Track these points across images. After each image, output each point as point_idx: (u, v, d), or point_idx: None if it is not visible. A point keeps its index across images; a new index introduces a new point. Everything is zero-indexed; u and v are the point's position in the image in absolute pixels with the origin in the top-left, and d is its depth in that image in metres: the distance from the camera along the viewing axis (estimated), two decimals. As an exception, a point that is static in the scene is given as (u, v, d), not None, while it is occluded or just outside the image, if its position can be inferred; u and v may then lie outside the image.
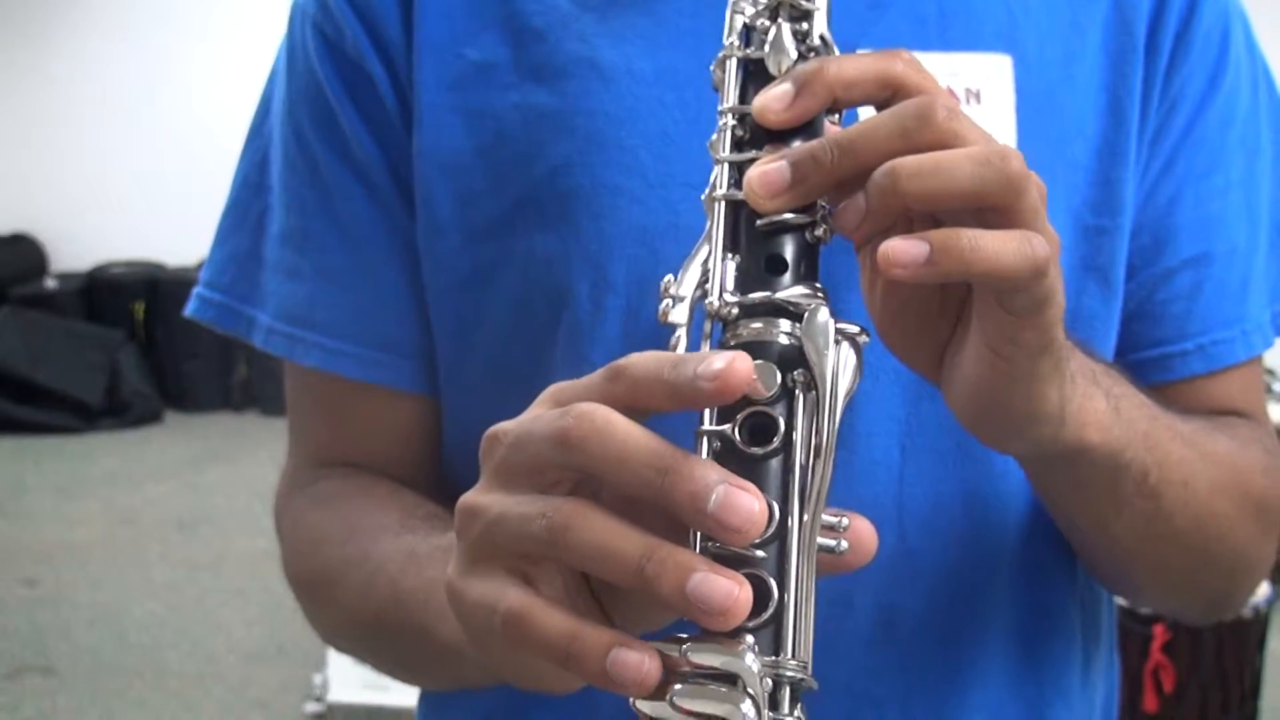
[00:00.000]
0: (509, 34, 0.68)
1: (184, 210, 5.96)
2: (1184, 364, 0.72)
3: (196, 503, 4.84)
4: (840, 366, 0.43)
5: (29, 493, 4.98)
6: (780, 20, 0.50)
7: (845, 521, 0.44)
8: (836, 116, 0.49)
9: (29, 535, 4.47)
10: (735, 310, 0.45)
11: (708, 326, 0.46)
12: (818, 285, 0.46)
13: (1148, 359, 0.72)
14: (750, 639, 0.41)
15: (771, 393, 0.43)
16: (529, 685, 0.47)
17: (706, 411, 0.44)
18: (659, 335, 0.64)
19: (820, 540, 0.43)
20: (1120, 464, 0.58)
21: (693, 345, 0.45)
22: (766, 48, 0.49)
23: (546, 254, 0.66)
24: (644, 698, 0.41)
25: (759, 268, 0.46)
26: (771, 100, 0.47)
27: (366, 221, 0.71)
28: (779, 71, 0.48)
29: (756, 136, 0.48)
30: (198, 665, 3.49)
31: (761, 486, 0.42)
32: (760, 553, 0.42)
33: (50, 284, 6.38)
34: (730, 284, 0.46)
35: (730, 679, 0.41)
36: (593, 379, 0.44)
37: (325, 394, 0.75)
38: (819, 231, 0.47)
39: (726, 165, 0.48)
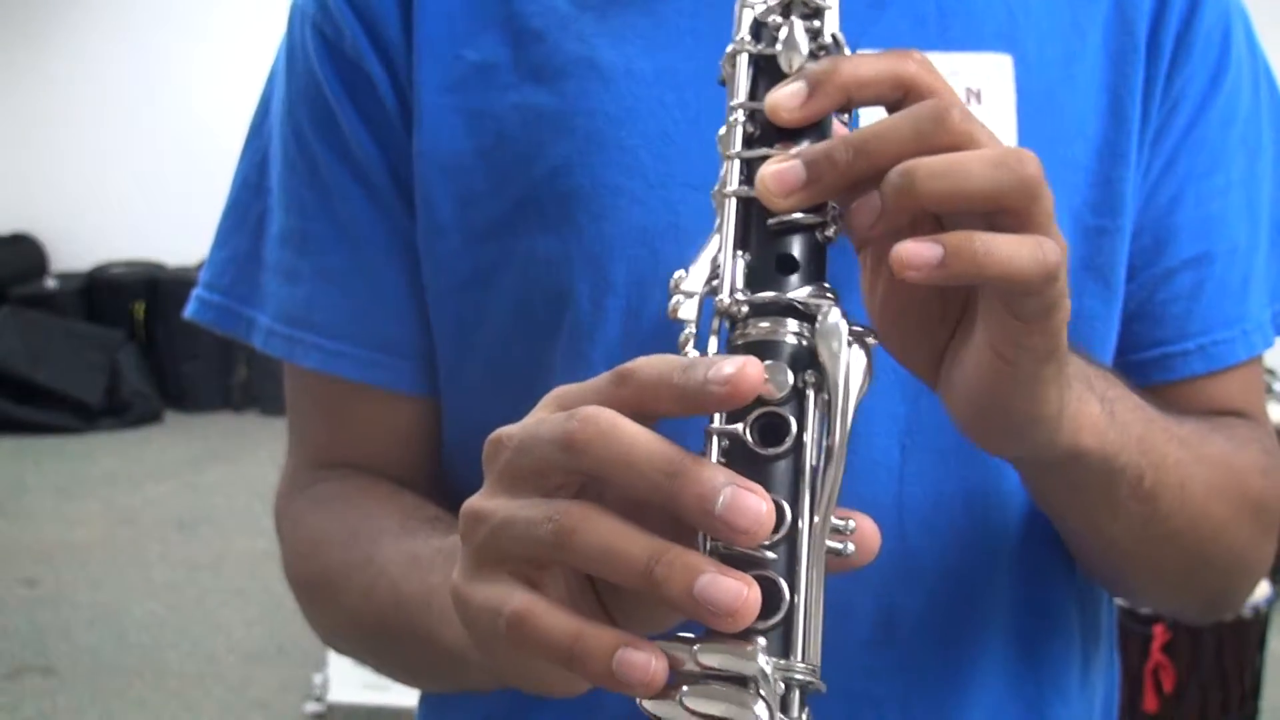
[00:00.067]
0: (508, 34, 0.68)
1: (184, 210, 5.95)
2: (1185, 364, 0.72)
3: (196, 503, 4.84)
4: (852, 368, 0.43)
5: (29, 493, 4.98)
6: (793, 17, 0.49)
7: (851, 524, 0.43)
8: (846, 116, 0.49)
9: (29, 535, 4.47)
10: (745, 309, 0.45)
11: (715, 323, 0.46)
12: (827, 286, 0.46)
13: (1148, 359, 0.72)
14: (762, 641, 0.41)
15: (784, 394, 0.43)
16: (533, 689, 0.47)
17: (717, 414, 0.43)
18: (659, 335, 0.65)
19: (828, 543, 0.43)
20: (1115, 467, 0.58)
21: (700, 342, 0.45)
22: (779, 45, 0.49)
23: (547, 254, 0.66)
24: (650, 698, 0.41)
25: (769, 266, 0.46)
26: (784, 98, 0.47)
27: (366, 222, 0.71)
28: (791, 69, 0.48)
29: (767, 133, 0.48)
30: (198, 665, 3.49)
31: (772, 487, 0.42)
32: (771, 554, 0.42)
33: (50, 284, 6.37)
34: (740, 282, 0.46)
35: (740, 680, 0.41)
36: (598, 382, 0.44)
37: (325, 395, 0.74)
38: (829, 232, 0.47)
39: (737, 161, 0.48)
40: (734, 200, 0.47)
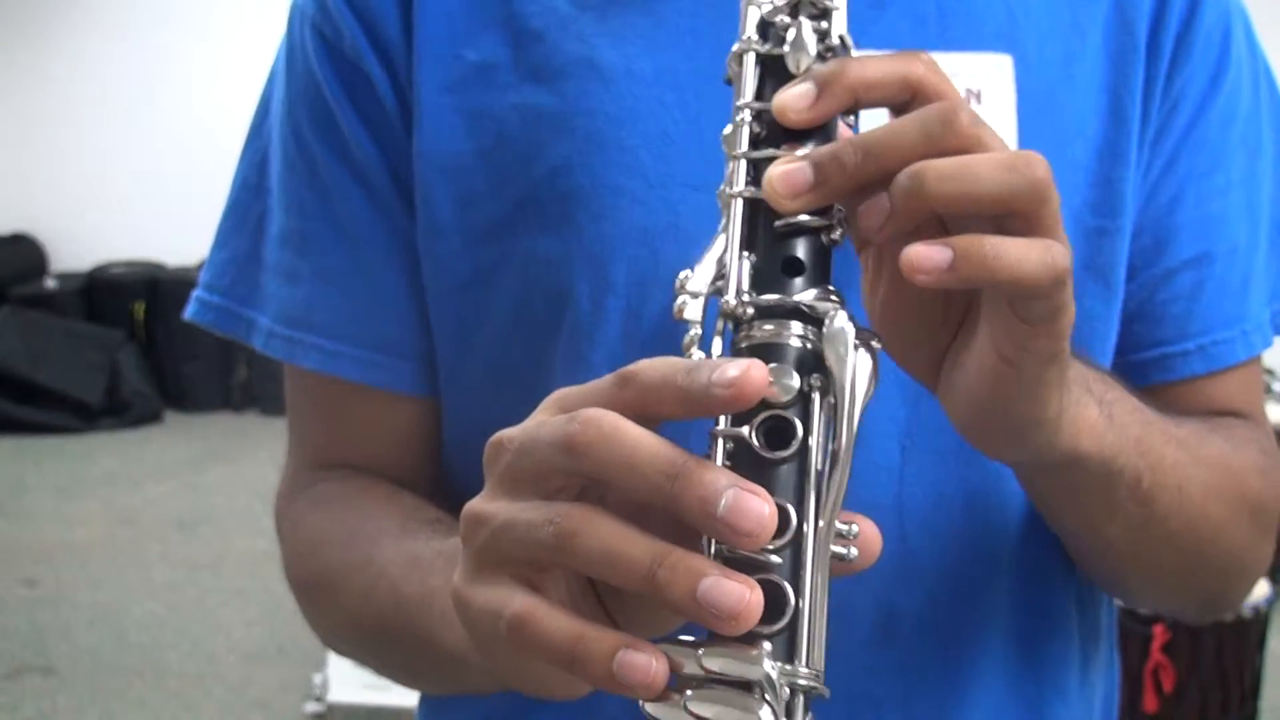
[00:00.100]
0: (508, 35, 0.68)
1: (184, 210, 5.95)
2: (1184, 364, 0.72)
3: (196, 503, 4.84)
4: (858, 372, 0.43)
5: (29, 493, 4.98)
6: (801, 18, 0.49)
7: (855, 528, 0.43)
8: (852, 118, 0.48)
9: (29, 535, 4.47)
10: (750, 310, 0.45)
11: (720, 325, 0.46)
12: (833, 289, 0.46)
13: (1148, 359, 0.72)
14: (768, 645, 0.41)
15: (790, 397, 0.43)
16: (534, 691, 0.47)
17: (722, 417, 0.43)
18: (660, 336, 0.65)
19: (832, 548, 0.43)
20: (1113, 470, 0.58)
21: (705, 343, 0.45)
22: (787, 45, 0.48)
23: (547, 255, 0.66)
24: (652, 701, 0.41)
25: (775, 269, 0.46)
26: (792, 99, 0.46)
27: (366, 222, 0.71)
28: (798, 70, 0.48)
29: (773, 134, 0.48)
30: (198, 665, 3.49)
31: (777, 491, 0.42)
32: (776, 559, 0.42)
33: (50, 284, 6.37)
34: (746, 283, 0.45)
35: (744, 685, 0.41)
36: (600, 384, 0.43)
37: (325, 396, 0.74)
38: (835, 235, 0.46)
39: (743, 162, 0.48)
40: (740, 201, 0.47)
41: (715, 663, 0.41)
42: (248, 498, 4.78)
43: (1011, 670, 0.71)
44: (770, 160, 0.46)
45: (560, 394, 0.45)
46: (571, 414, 0.42)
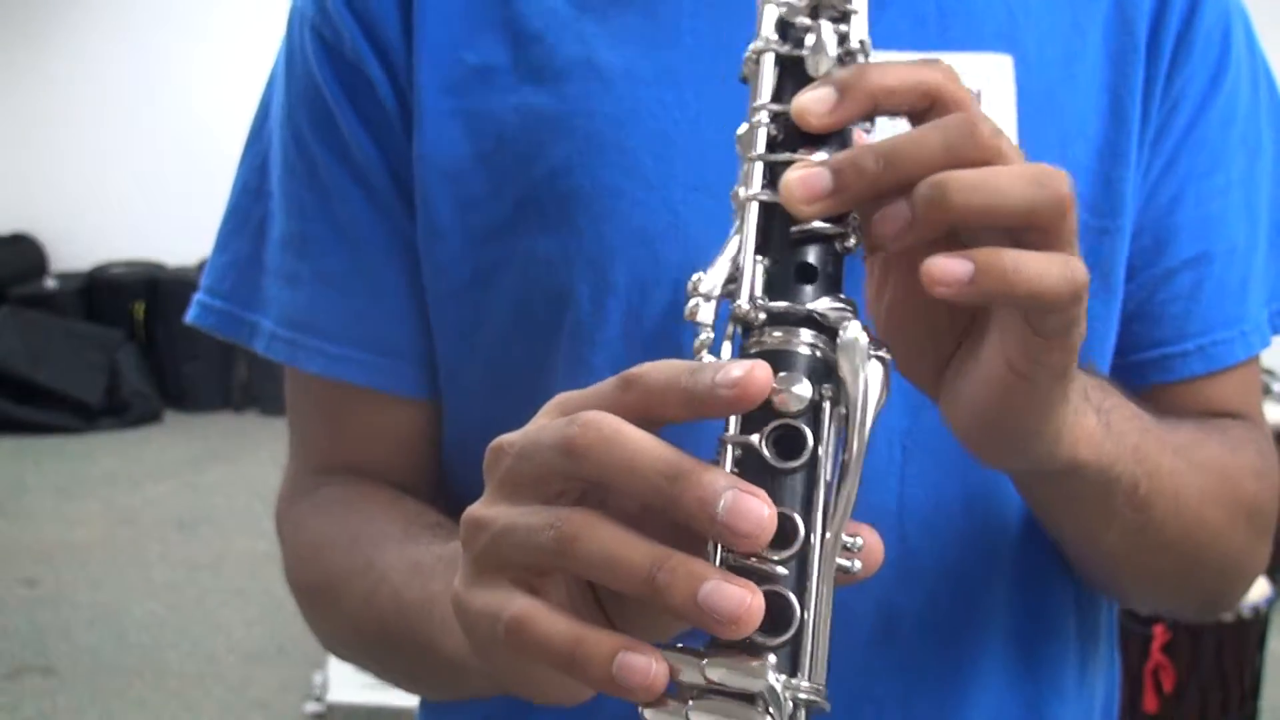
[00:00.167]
0: (508, 36, 0.68)
1: (184, 210, 5.95)
2: (1184, 365, 0.72)
3: (196, 503, 4.84)
4: (870, 383, 0.43)
5: (29, 493, 4.98)
6: (822, 20, 0.48)
7: (859, 540, 0.43)
8: (869, 124, 0.48)
9: (29, 535, 4.47)
10: (763, 316, 0.44)
11: (730, 329, 0.45)
12: (845, 298, 0.45)
13: (1147, 360, 0.72)
14: (773, 658, 0.41)
15: (802, 406, 0.42)
16: (534, 697, 0.47)
17: (732, 421, 0.43)
18: (660, 337, 0.65)
19: (837, 560, 0.42)
20: (1110, 478, 0.58)
21: (715, 346, 0.45)
22: (807, 47, 0.48)
23: (547, 256, 0.66)
24: (649, 707, 0.41)
25: (789, 274, 0.45)
26: (812, 103, 0.46)
27: (366, 224, 0.71)
28: (817, 73, 0.47)
29: (790, 137, 0.47)
30: (198, 665, 3.49)
31: (785, 501, 0.41)
32: (782, 570, 0.41)
33: (50, 284, 6.37)
34: (759, 288, 0.45)
35: (746, 697, 0.40)
36: (602, 387, 0.43)
37: (327, 399, 0.74)
38: (849, 242, 0.46)
39: (760, 164, 0.47)
40: (756, 204, 0.46)
41: (718, 673, 0.40)
42: (248, 498, 4.78)
43: (1011, 670, 0.71)
44: (786, 164, 0.46)
45: (562, 397, 0.45)
46: (571, 417, 0.42)
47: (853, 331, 0.43)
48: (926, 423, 0.66)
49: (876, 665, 0.67)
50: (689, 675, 0.41)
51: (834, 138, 0.47)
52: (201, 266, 0.79)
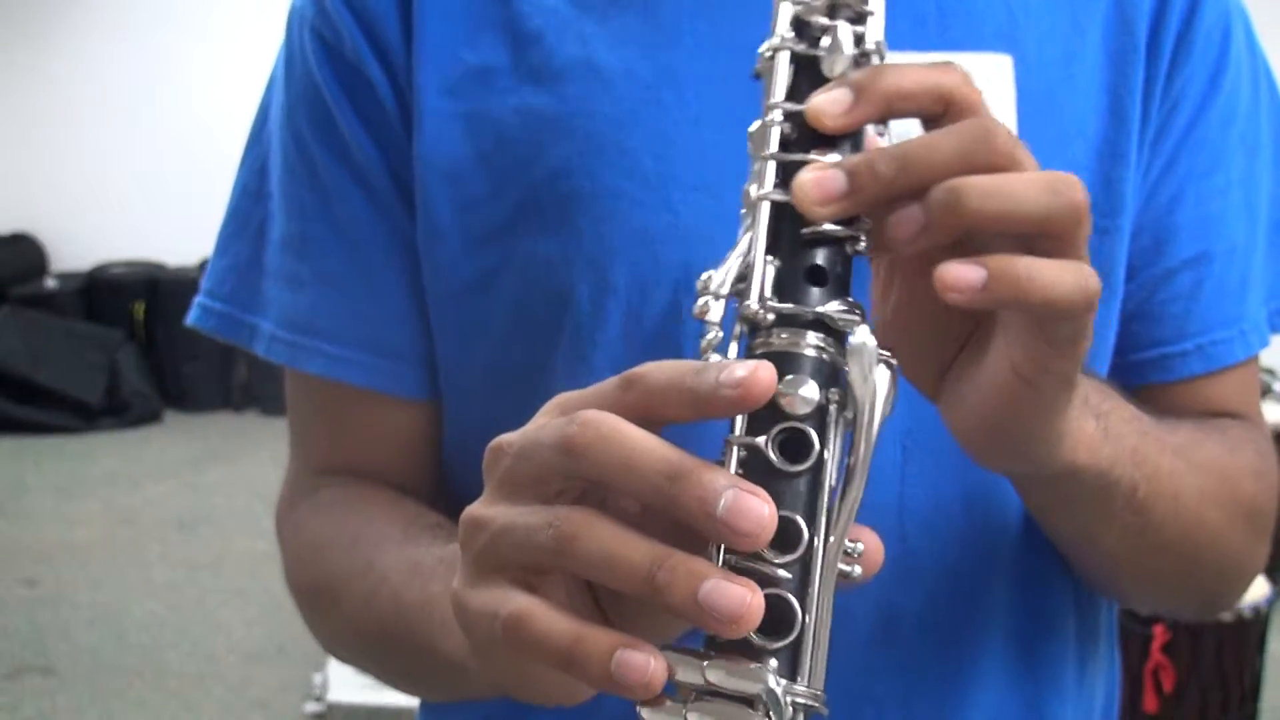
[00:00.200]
0: (508, 37, 0.68)
1: (184, 210, 5.95)
2: (1184, 364, 0.72)
3: (196, 503, 4.84)
4: (878, 389, 0.42)
5: (29, 493, 4.98)
6: (839, 20, 0.48)
7: (860, 545, 0.43)
8: (883, 127, 0.47)
9: (29, 535, 4.47)
10: (771, 317, 0.44)
11: (737, 329, 0.45)
12: (854, 302, 0.45)
13: (1147, 359, 0.72)
14: (774, 662, 0.41)
15: (810, 410, 0.42)
16: (532, 698, 0.47)
17: (738, 423, 0.42)
18: (660, 337, 0.65)
19: (838, 565, 0.42)
20: (1109, 481, 0.58)
21: (723, 345, 0.44)
22: (823, 47, 0.47)
23: (547, 257, 0.66)
24: (647, 706, 0.41)
25: (798, 276, 0.45)
26: (828, 104, 0.45)
27: (366, 225, 0.71)
28: (832, 74, 0.47)
29: (803, 137, 0.46)
30: (198, 665, 3.49)
31: (789, 505, 0.41)
32: (785, 574, 0.41)
33: (50, 284, 6.37)
34: (769, 289, 0.44)
35: (745, 700, 0.40)
36: (603, 387, 0.43)
37: (327, 401, 0.74)
38: (860, 246, 0.45)
39: (773, 163, 0.46)
40: (767, 204, 0.46)
41: (717, 675, 0.40)
42: (248, 498, 4.78)
43: (1011, 670, 0.71)
44: (799, 164, 0.45)
45: (562, 398, 0.44)
46: (571, 416, 0.41)
47: (862, 336, 0.43)
48: (926, 423, 0.66)
49: (876, 665, 0.67)
50: (687, 675, 0.41)
51: (847, 139, 0.46)
52: (202, 266, 0.79)
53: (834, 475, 0.42)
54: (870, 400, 0.42)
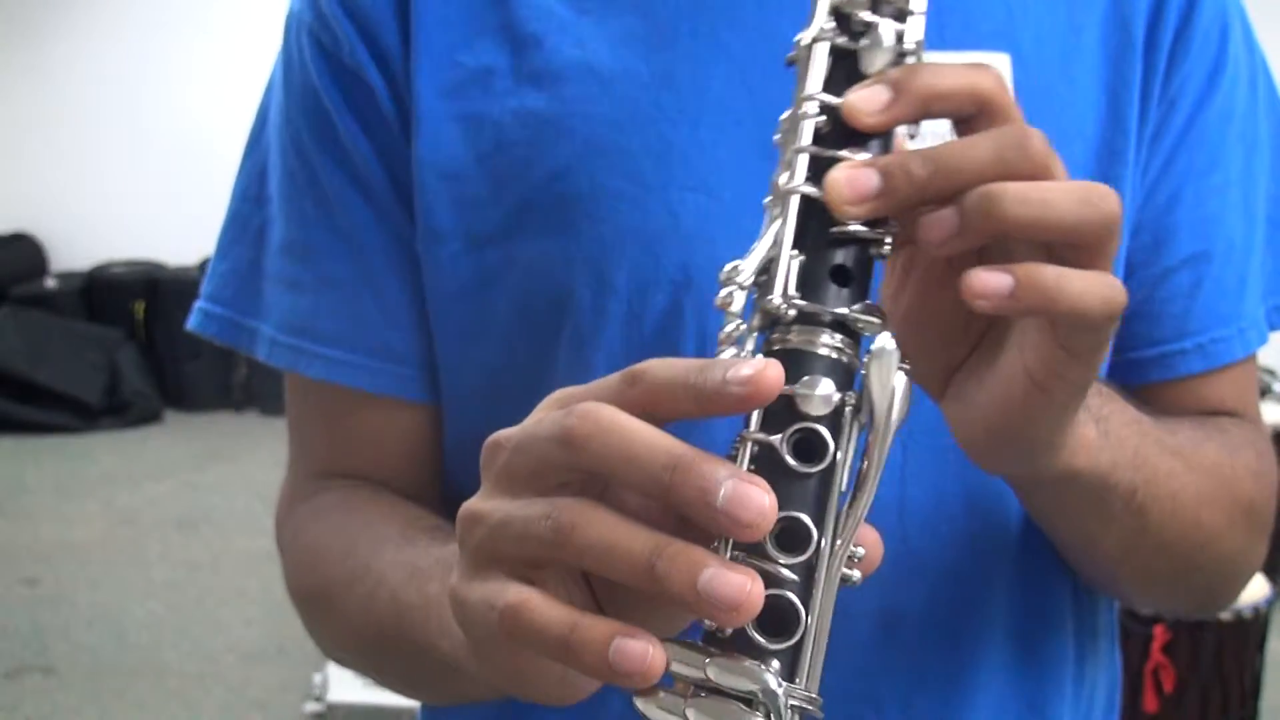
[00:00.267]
0: (506, 40, 0.68)
1: (184, 210, 5.95)
2: (1183, 362, 0.72)
3: (196, 502, 4.84)
4: (896, 395, 0.42)
5: (29, 492, 4.98)
6: (882, 16, 0.47)
7: (861, 550, 0.43)
8: (916, 127, 0.46)
9: (29, 535, 4.47)
10: (792, 313, 0.43)
11: (755, 321, 0.44)
12: (876, 304, 0.44)
13: (1146, 358, 0.72)
14: (776, 663, 0.41)
15: (827, 411, 0.42)
16: (530, 695, 0.47)
17: (753, 420, 0.42)
18: (660, 338, 0.65)
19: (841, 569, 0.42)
20: (1108, 485, 0.58)
21: (741, 338, 0.44)
22: (864, 42, 0.46)
23: (547, 259, 0.66)
24: (644, 696, 0.41)
25: (822, 274, 0.44)
26: (864, 101, 0.45)
27: (366, 229, 0.71)
28: (870, 70, 0.46)
29: (836, 132, 0.45)
30: (198, 665, 3.49)
31: (799, 505, 0.41)
32: (790, 575, 0.41)
33: (50, 284, 6.37)
34: (793, 285, 0.44)
35: (744, 698, 0.40)
36: (606, 382, 0.43)
37: (327, 405, 0.74)
38: (884, 249, 0.45)
39: (805, 156, 0.45)
40: (797, 198, 0.45)
41: (718, 672, 0.40)
42: (248, 498, 4.78)
43: (1011, 669, 0.71)
44: (832, 160, 0.45)
45: (562, 393, 0.44)
46: (569, 408, 0.41)
47: (885, 341, 0.42)
48: (927, 422, 0.65)
49: (877, 664, 0.67)
50: (686, 670, 0.40)
51: (879, 139, 0.46)
52: (202, 266, 0.79)
53: (844, 479, 0.42)
54: (887, 406, 0.42)
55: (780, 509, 0.40)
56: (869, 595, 0.65)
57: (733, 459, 0.42)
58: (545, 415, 0.43)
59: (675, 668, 0.41)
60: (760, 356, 0.41)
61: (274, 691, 3.33)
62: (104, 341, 6.07)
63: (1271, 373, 4.12)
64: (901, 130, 0.46)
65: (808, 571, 0.41)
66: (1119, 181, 0.69)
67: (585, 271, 0.66)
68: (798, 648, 0.41)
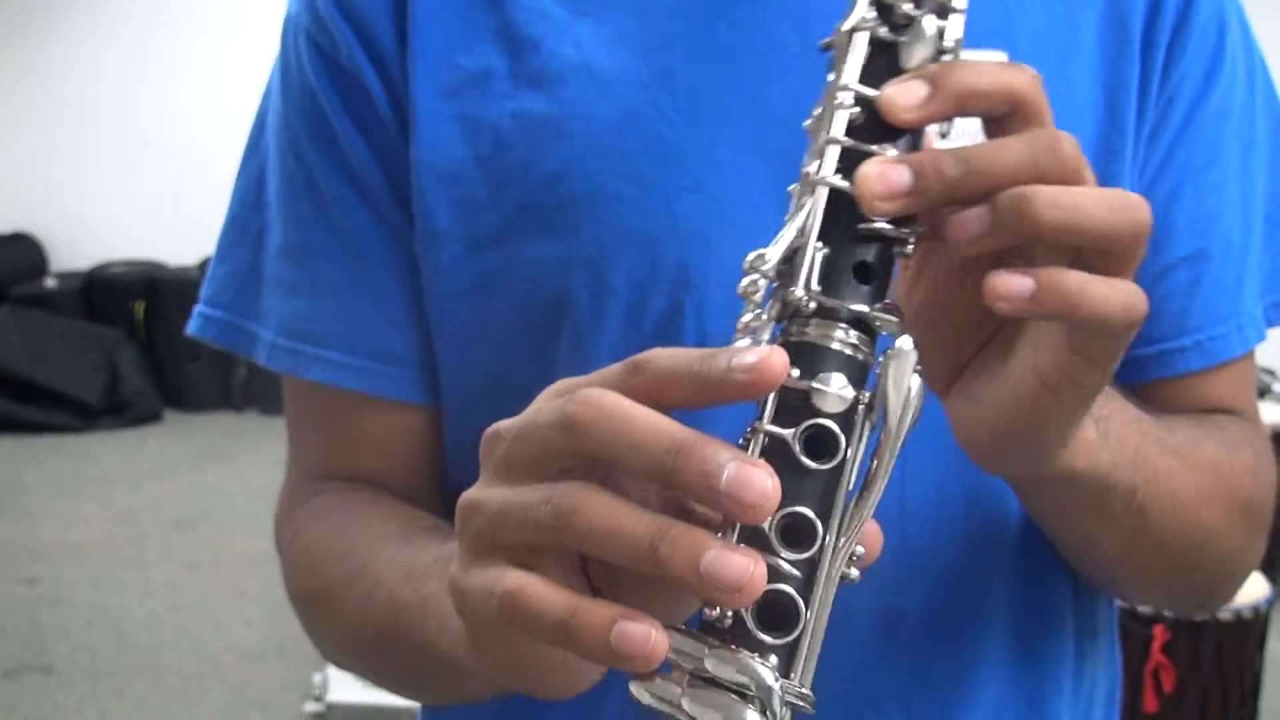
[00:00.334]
0: (503, 42, 0.68)
1: (184, 210, 5.95)
2: (1182, 360, 0.72)
3: (196, 502, 4.84)
4: (910, 397, 0.42)
5: (28, 492, 4.98)
6: (925, 11, 0.46)
7: (860, 550, 0.43)
8: (947, 125, 0.46)
9: (28, 535, 4.47)
10: (813, 306, 0.43)
11: (774, 310, 0.44)
12: (896, 303, 0.44)
13: (1145, 356, 0.72)
14: (774, 659, 0.40)
15: (842, 409, 0.42)
16: (530, 689, 0.47)
17: (767, 412, 0.42)
18: (660, 339, 0.65)
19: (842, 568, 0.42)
20: (1107, 485, 0.58)
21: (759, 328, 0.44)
22: (905, 35, 0.46)
23: (547, 260, 0.66)
24: (642, 680, 0.41)
25: (845, 269, 0.44)
26: (903, 95, 0.44)
27: (365, 232, 0.71)
28: (909, 64, 0.45)
29: (869, 125, 0.45)
30: (197, 665, 3.49)
31: (806, 501, 0.41)
32: (793, 570, 0.41)
33: (50, 283, 6.37)
34: (817, 277, 0.43)
35: (739, 690, 0.40)
36: (608, 372, 0.43)
37: (327, 407, 0.74)
38: (908, 249, 0.45)
39: (837, 147, 0.45)
40: (826, 189, 0.44)
41: (715, 664, 0.40)
42: (247, 497, 4.78)
43: (1011, 667, 0.71)
44: (863, 154, 0.44)
45: (563, 383, 0.44)
46: (570, 395, 0.41)
47: (905, 343, 0.42)
48: (928, 422, 0.65)
49: (877, 663, 0.67)
50: (682, 658, 0.40)
51: (910, 135, 0.45)
52: (202, 266, 0.79)
53: (852, 477, 0.42)
54: (901, 408, 0.42)
55: (787, 504, 0.40)
56: (869, 594, 0.65)
57: (743, 449, 0.41)
58: (546, 404, 0.43)
59: (673, 656, 0.40)
60: (763, 346, 0.40)
61: (274, 691, 3.33)
62: (104, 341, 6.07)
63: (1271, 373, 4.12)
64: (932, 128, 0.46)
65: (810, 568, 0.41)
66: (1117, 180, 0.69)
67: (584, 272, 0.66)
68: (795, 644, 0.41)
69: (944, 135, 0.46)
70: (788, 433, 0.41)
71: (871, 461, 0.43)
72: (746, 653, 0.40)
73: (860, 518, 0.42)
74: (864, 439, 0.42)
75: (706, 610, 0.42)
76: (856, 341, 0.43)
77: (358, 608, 0.66)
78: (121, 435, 5.84)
